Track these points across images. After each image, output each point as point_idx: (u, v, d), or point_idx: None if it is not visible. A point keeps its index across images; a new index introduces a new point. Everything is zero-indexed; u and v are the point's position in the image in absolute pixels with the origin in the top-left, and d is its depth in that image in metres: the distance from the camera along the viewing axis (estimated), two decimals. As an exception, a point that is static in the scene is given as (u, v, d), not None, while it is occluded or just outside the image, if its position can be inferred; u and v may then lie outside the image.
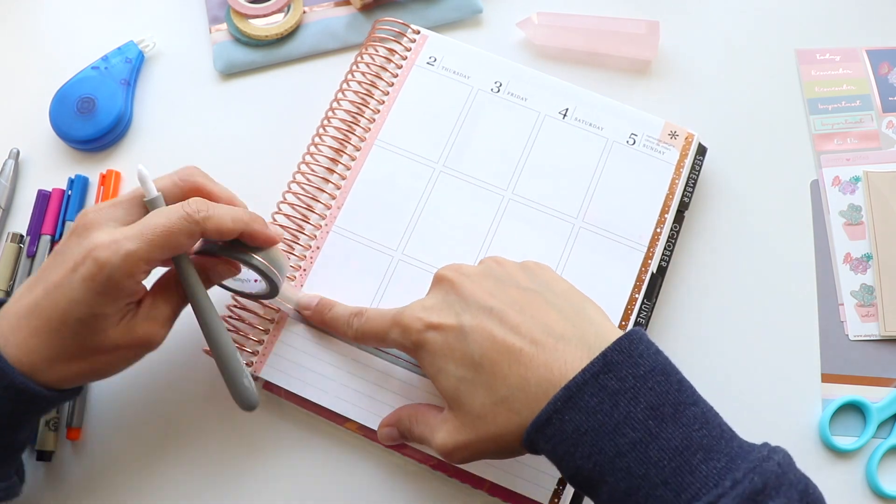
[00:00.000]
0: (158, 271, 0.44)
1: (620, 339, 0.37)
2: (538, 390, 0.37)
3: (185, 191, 0.43)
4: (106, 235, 0.39)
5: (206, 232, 0.41)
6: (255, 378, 0.48)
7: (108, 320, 0.40)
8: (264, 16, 0.59)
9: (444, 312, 0.41)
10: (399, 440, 0.46)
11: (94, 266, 0.38)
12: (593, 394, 0.35)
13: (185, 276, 0.43)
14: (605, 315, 0.41)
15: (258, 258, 0.43)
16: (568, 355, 0.38)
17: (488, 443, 0.39)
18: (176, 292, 0.44)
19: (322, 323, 0.48)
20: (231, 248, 0.43)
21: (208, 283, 0.45)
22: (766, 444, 0.35)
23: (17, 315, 0.40)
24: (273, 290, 0.45)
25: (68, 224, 0.53)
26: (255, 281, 0.46)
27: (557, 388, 0.36)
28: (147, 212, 0.41)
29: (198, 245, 0.44)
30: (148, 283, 0.44)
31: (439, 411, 0.43)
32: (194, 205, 0.41)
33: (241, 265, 0.44)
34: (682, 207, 0.53)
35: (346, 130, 0.53)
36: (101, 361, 0.42)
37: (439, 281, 0.43)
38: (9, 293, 0.52)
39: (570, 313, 0.40)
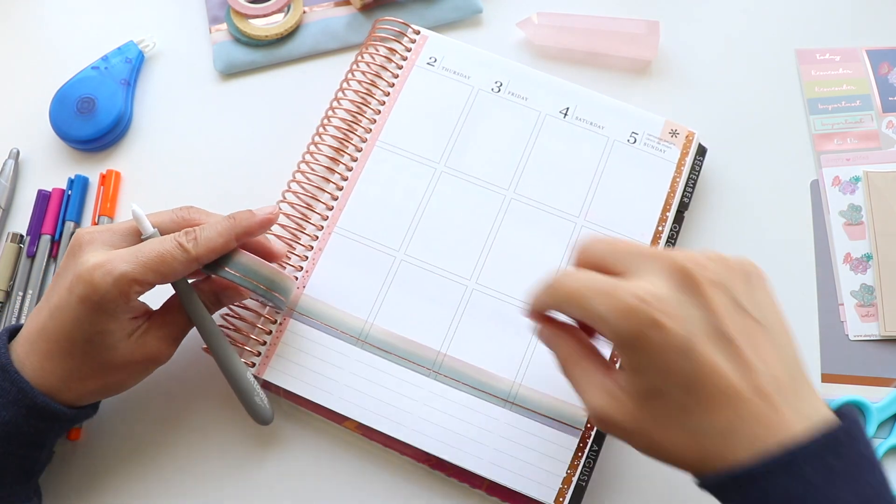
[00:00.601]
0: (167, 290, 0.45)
1: (847, 420, 0.34)
2: (744, 443, 0.34)
3: (182, 226, 0.44)
4: (99, 256, 0.40)
5: (201, 258, 0.42)
6: (255, 377, 0.48)
7: (113, 336, 0.41)
8: (264, 16, 0.58)
9: (676, 314, 0.35)
10: (542, 321, 0.41)
11: (88, 287, 0.39)
12: (813, 466, 0.33)
13: (185, 301, 0.44)
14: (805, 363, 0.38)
15: (230, 271, 0.44)
16: (786, 418, 0.34)
17: (646, 446, 0.36)
18: (183, 312, 0.45)
19: None
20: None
21: (219, 305, 0.47)
22: None
23: (28, 339, 0.42)
24: (267, 298, 0.46)
25: (68, 224, 0.53)
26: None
27: (768, 449, 0.33)
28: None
29: None
30: (157, 301, 0.45)
31: (607, 371, 0.38)
32: (184, 235, 0.42)
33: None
34: (682, 208, 0.53)
35: (347, 130, 0.53)
36: (114, 377, 0.43)
37: (677, 271, 0.36)
38: (9, 293, 0.52)
39: (789, 361, 0.36)
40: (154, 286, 0.42)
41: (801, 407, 0.35)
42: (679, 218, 0.53)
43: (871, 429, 0.49)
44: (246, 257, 0.45)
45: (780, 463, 0.33)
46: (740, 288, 0.36)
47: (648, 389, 0.35)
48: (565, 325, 0.41)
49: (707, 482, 0.35)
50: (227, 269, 0.44)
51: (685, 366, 0.34)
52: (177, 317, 0.45)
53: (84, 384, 0.42)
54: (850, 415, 0.34)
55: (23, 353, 0.41)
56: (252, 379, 0.46)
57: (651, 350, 0.34)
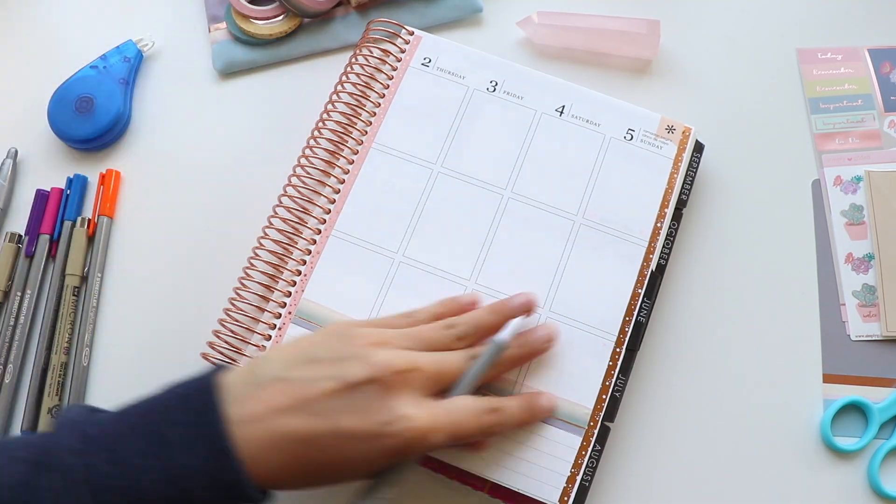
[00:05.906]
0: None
1: None
2: None
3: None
4: (417, 415, 0.39)
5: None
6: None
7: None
8: (265, 18, 0.58)
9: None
10: None
11: (403, 445, 0.38)
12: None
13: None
14: None
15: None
16: None
17: None
18: None
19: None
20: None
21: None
22: None
23: (272, 435, 0.37)
24: None
25: (66, 224, 0.53)
26: None
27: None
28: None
29: None
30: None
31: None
32: (495, 417, 0.42)
33: None
34: (680, 205, 0.52)
35: (342, 134, 0.53)
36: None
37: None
38: (7, 293, 0.52)
39: None
40: None
41: None
42: (677, 216, 0.52)
43: (872, 429, 0.49)
44: None
45: None
46: None
47: None
48: None
49: None
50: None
51: None
52: None
53: (311, 486, 0.41)
54: None
55: (255, 447, 0.36)
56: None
57: None
